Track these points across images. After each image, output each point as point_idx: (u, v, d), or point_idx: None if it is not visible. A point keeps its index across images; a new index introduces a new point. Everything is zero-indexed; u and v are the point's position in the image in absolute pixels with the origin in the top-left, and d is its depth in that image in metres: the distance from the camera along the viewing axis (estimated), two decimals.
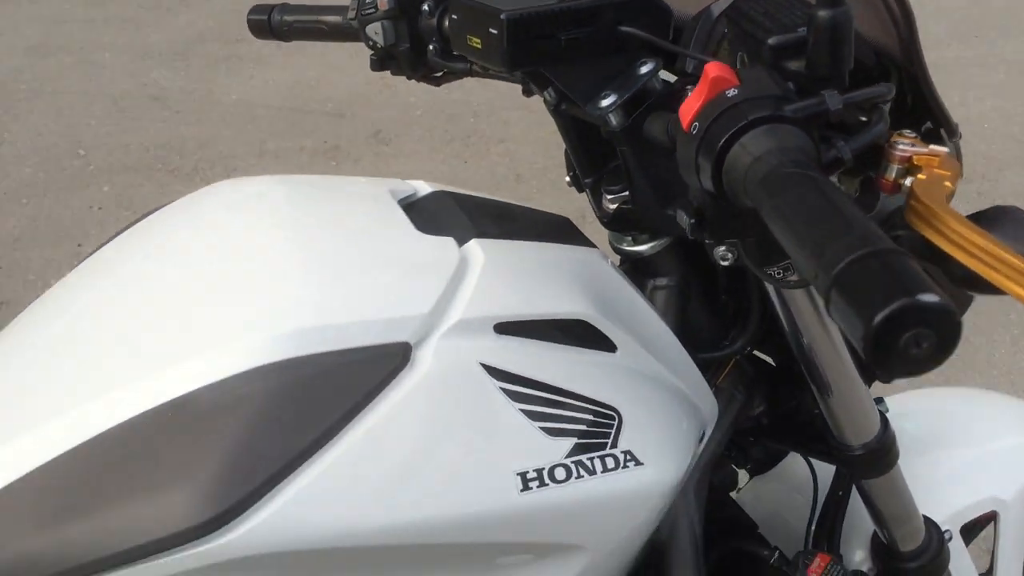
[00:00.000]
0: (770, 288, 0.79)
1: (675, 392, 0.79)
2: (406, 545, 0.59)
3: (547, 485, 0.63)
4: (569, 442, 0.64)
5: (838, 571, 0.89)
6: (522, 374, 0.64)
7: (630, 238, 0.81)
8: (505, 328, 0.65)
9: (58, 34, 3.34)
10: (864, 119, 0.60)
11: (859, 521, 1.00)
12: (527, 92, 0.79)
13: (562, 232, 0.79)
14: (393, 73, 0.88)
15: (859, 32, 0.67)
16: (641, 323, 0.78)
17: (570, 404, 0.66)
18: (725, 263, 0.72)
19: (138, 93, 3.00)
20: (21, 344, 0.66)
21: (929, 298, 0.38)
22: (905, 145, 0.57)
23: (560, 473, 0.63)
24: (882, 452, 0.91)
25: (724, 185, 0.51)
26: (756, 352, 0.95)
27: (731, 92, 0.51)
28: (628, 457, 0.68)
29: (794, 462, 1.08)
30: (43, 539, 0.55)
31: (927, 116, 0.69)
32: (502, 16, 0.62)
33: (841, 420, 0.89)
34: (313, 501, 0.55)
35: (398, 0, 0.81)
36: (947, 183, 0.53)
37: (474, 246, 0.68)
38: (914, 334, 0.38)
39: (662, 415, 0.75)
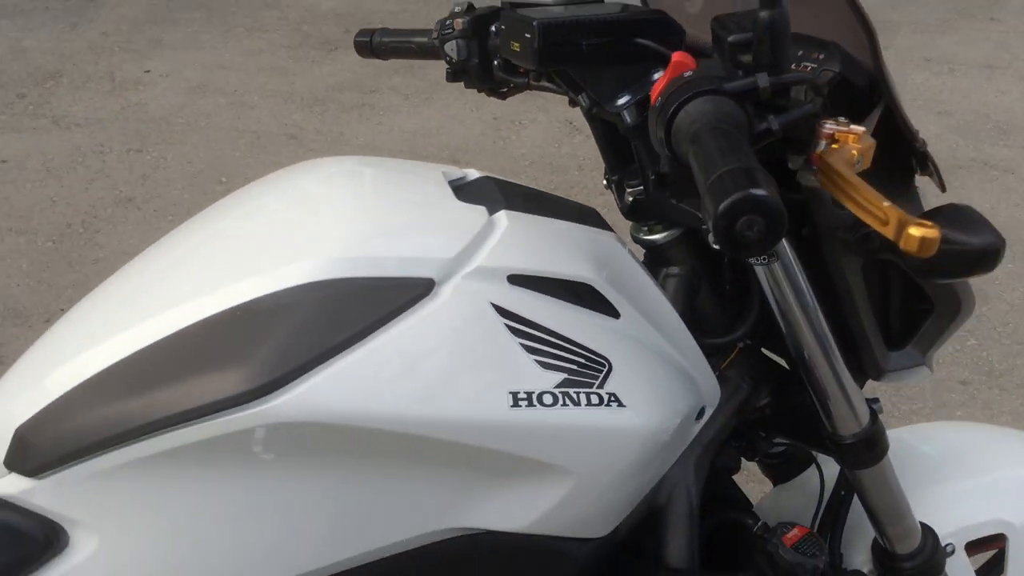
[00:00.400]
0: (760, 278, 0.89)
1: (673, 363, 0.90)
2: (412, 435, 0.72)
3: (534, 406, 0.75)
4: (559, 376, 0.77)
5: (814, 543, 0.96)
6: (525, 316, 0.77)
7: (646, 228, 0.93)
8: (517, 280, 0.79)
9: (217, 78, 3.73)
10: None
11: (862, 524, 1.06)
12: (572, 103, 0.94)
13: (586, 217, 0.93)
14: (466, 86, 1.04)
15: (852, 57, 0.79)
16: (647, 300, 0.90)
17: (565, 347, 0.79)
18: (717, 247, 0.83)
19: (278, 132, 3.32)
20: (145, 263, 0.85)
21: (759, 191, 0.50)
22: (831, 125, 0.69)
23: (547, 399, 0.76)
24: (871, 443, 0.97)
25: (673, 145, 0.64)
26: (768, 353, 1.04)
27: (687, 73, 0.65)
28: (612, 398, 0.79)
29: (813, 474, 1.15)
30: (135, 401, 0.72)
31: (898, 125, 0.80)
32: (534, 23, 0.78)
33: (831, 409, 0.96)
34: (339, 386, 0.70)
35: (471, 22, 0.98)
36: (854, 152, 0.64)
37: (502, 215, 0.83)
38: (747, 219, 0.51)
39: (653, 375, 0.86)
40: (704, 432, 0.95)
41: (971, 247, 0.77)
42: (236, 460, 0.71)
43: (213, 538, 0.75)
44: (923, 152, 0.84)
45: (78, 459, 0.72)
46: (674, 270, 0.94)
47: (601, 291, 0.84)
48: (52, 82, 3.59)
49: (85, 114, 3.37)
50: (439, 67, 1.01)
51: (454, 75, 1.03)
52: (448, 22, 1.01)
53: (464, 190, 0.88)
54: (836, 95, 0.79)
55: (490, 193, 0.88)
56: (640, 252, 0.97)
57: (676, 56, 0.66)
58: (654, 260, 0.95)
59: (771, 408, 1.02)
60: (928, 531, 1.07)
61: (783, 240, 0.86)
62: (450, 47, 1.00)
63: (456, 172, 0.92)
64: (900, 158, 0.86)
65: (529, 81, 0.97)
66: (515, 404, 0.75)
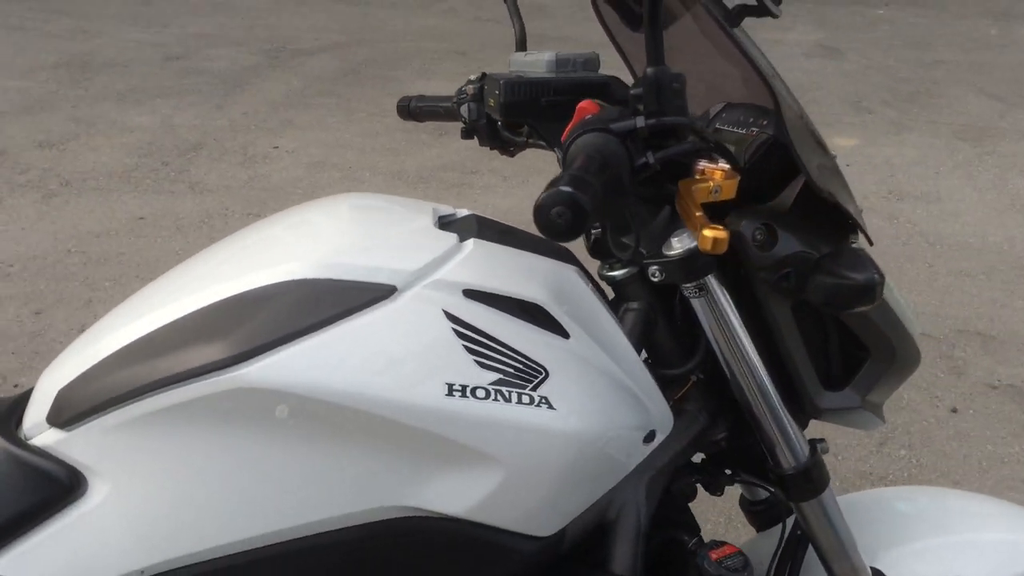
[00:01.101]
0: (697, 311, 1.00)
1: (619, 384, 0.99)
2: (359, 410, 0.86)
3: (467, 397, 0.88)
4: (494, 375, 0.89)
5: (739, 559, 1.02)
6: (472, 323, 0.90)
7: (607, 266, 1.06)
8: (472, 294, 0.92)
9: (336, 155, 4.08)
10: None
11: (819, 570, 1.12)
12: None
13: (555, 253, 1.05)
14: (480, 144, 1.21)
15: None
16: (600, 327, 1.01)
17: (504, 352, 0.91)
18: (655, 279, 0.96)
19: None
20: (177, 268, 1.04)
21: (567, 189, 0.64)
22: (704, 163, 0.82)
23: (480, 392, 0.88)
24: (808, 476, 1.04)
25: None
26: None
27: (588, 117, 0.80)
28: (543, 400, 0.91)
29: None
30: (142, 367, 0.89)
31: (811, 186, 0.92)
32: (501, 81, 0.95)
33: (768, 440, 1.04)
34: (299, 363, 0.85)
35: (480, 88, 1.16)
36: (711, 183, 0.78)
37: (470, 242, 0.98)
38: (558, 210, 0.65)
39: (593, 390, 0.96)
40: (657, 456, 1.03)
41: (855, 282, 0.88)
42: (215, 420, 0.87)
43: (197, 489, 0.90)
44: (844, 211, 0.96)
45: (96, 414, 0.89)
46: (632, 305, 1.03)
47: (552, 312, 0.96)
48: (193, 153, 4.02)
49: (217, 182, 3.76)
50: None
51: (467, 133, 1.20)
52: (463, 88, 1.19)
53: (448, 223, 1.04)
54: (777, 154, 0.93)
55: (469, 227, 1.03)
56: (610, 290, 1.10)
57: (581, 104, 0.81)
58: (617, 296, 1.05)
59: (727, 442, 1.09)
60: (877, 573, 1.12)
61: (710, 277, 0.98)
62: (464, 109, 1.18)
63: (448, 210, 1.08)
64: (833, 215, 0.97)
65: (527, 140, 1.14)
66: (449, 393, 0.87)
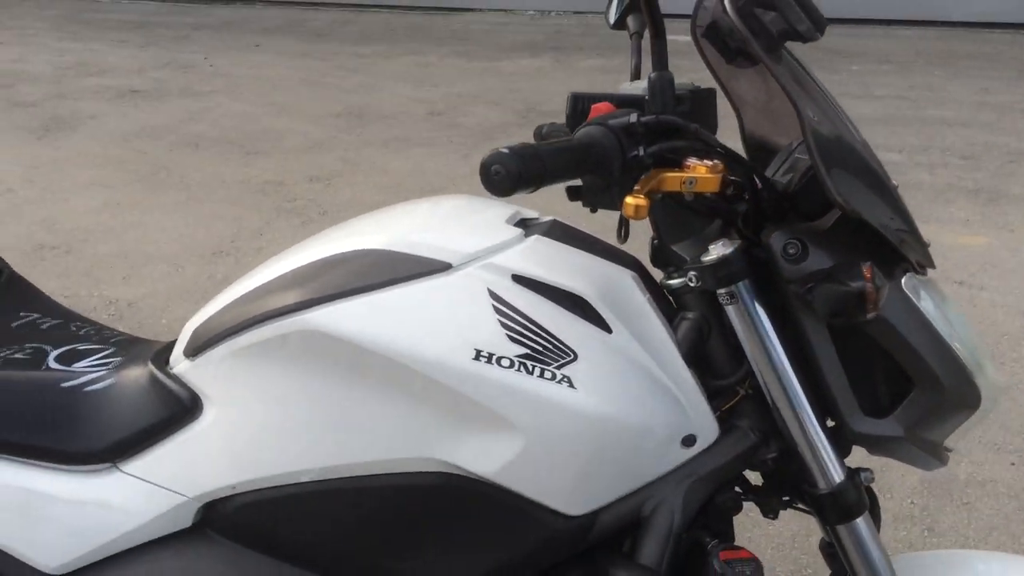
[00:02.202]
0: (732, 320, 1.06)
1: (658, 383, 1.05)
2: (399, 362, 1.02)
3: (491, 364, 1.01)
4: (522, 349, 1.02)
5: (749, 565, 1.05)
6: (512, 303, 1.04)
7: (667, 275, 1.14)
8: (520, 280, 1.06)
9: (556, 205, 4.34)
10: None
11: None
12: None
13: (618, 259, 1.13)
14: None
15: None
16: (648, 330, 1.07)
17: (537, 332, 1.04)
18: (691, 285, 1.05)
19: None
20: (312, 238, 1.26)
21: (505, 150, 0.78)
22: (692, 159, 0.92)
23: (505, 362, 1.02)
24: (841, 498, 1.05)
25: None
26: None
27: (599, 115, 0.93)
28: (565, 379, 1.02)
29: None
30: (246, 307, 1.11)
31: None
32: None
33: (801, 456, 1.06)
34: (354, 313, 1.04)
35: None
36: (686, 175, 0.89)
37: (533, 237, 1.11)
38: (495, 168, 0.79)
39: (624, 381, 1.04)
40: (699, 463, 1.08)
41: (848, 289, 0.93)
42: (288, 358, 1.07)
43: (274, 419, 1.09)
44: (882, 234, 1.00)
45: (210, 347, 1.13)
46: (687, 315, 1.09)
47: (595, 306, 1.05)
48: (435, 194, 4.45)
49: None
50: None
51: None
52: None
53: (527, 224, 1.17)
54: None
55: (543, 228, 1.16)
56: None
57: (597, 105, 0.95)
58: (676, 305, 1.11)
59: (775, 463, 1.11)
60: None
61: (741, 285, 1.04)
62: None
63: (532, 214, 1.22)
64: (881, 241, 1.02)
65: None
66: (476, 358, 1.01)
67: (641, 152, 0.93)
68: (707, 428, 1.08)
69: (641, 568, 1.07)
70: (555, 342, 1.04)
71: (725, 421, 1.10)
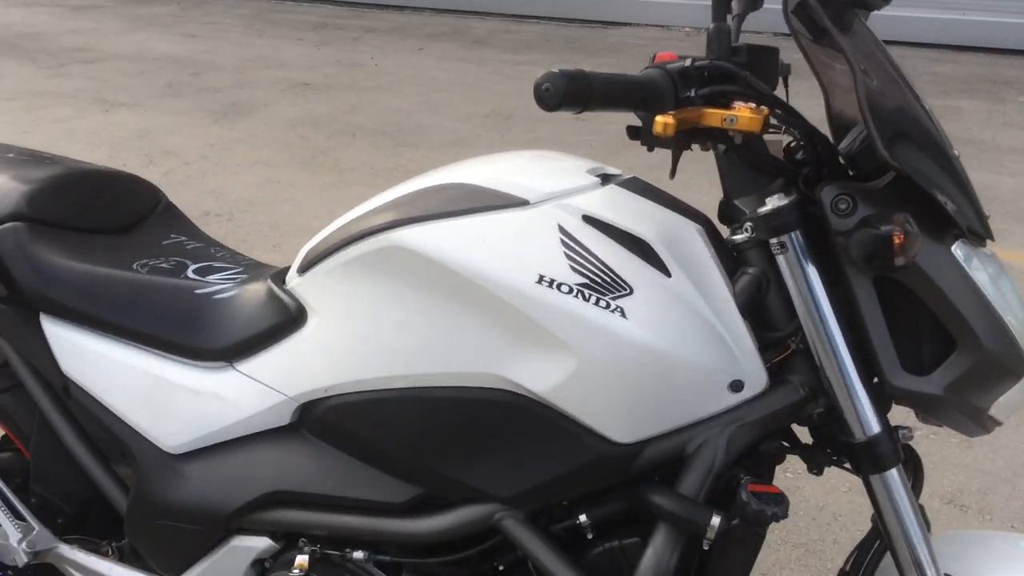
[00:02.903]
0: (784, 275, 1.12)
1: (710, 328, 1.11)
2: (470, 280, 1.14)
3: (551, 289, 1.13)
4: (581, 279, 1.13)
5: (774, 500, 1.10)
6: (579, 238, 1.15)
7: (732, 231, 1.20)
8: (590, 220, 1.16)
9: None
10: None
11: None
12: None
13: (688, 213, 1.22)
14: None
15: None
16: (707, 279, 1.13)
17: (598, 266, 1.14)
18: (745, 235, 1.12)
19: None
20: (407, 181, 1.41)
21: (555, 71, 0.89)
22: (739, 102, 1.02)
23: (564, 288, 1.13)
24: (876, 448, 1.08)
25: None
26: None
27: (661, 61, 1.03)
28: (617, 309, 1.12)
29: None
30: (348, 228, 1.26)
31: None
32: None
33: (837, 405, 1.09)
34: (436, 235, 1.17)
35: None
36: (728, 112, 1.01)
37: (610, 187, 1.21)
38: (545, 85, 0.90)
39: (674, 319, 1.12)
40: (746, 410, 1.13)
41: (875, 232, 0.99)
42: (377, 272, 1.21)
43: (363, 329, 1.23)
44: (933, 197, 1.04)
45: (316, 263, 1.30)
46: (748, 269, 1.14)
47: (657, 251, 1.14)
48: None
49: None
50: None
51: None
52: None
53: (607, 177, 1.25)
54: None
55: (620, 179, 1.24)
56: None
57: (660, 54, 1.04)
58: (738, 259, 1.17)
59: (821, 418, 1.14)
60: None
61: (792, 236, 1.10)
62: None
63: (615, 170, 1.30)
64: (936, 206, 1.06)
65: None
66: (539, 282, 1.13)
67: (692, 93, 1.02)
68: (756, 377, 1.14)
69: (679, 496, 1.14)
70: (613, 276, 1.13)
71: (777, 375, 1.15)
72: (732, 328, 1.14)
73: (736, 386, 1.14)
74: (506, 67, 6.99)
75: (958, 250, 1.07)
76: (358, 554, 1.31)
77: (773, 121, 1.08)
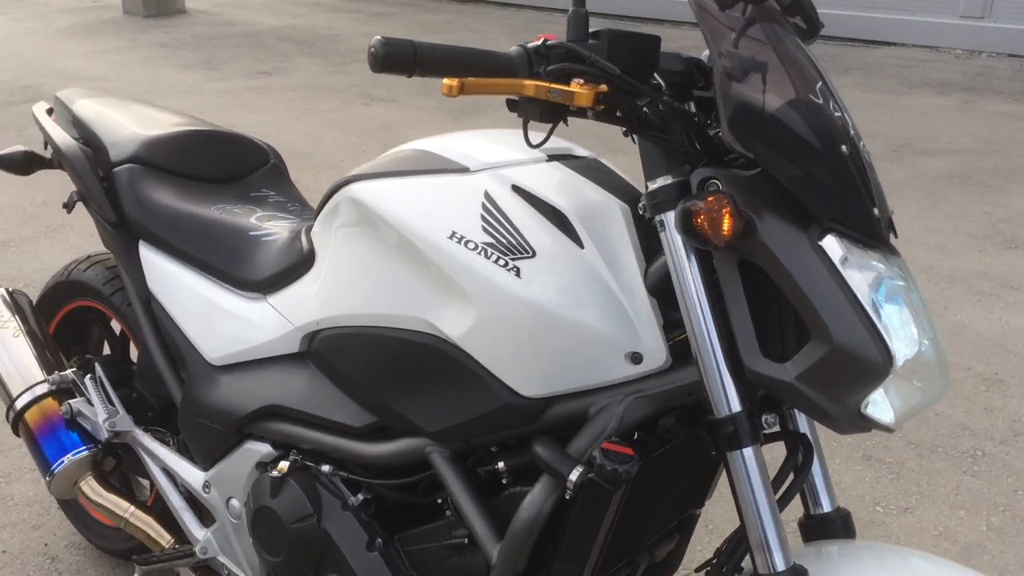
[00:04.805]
0: (668, 263, 1.15)
1: (612, 300, 1.19)
2: (402, 234, 1.32)
3: (460, 245, 1.28)
4: (488, 238, 1.27)
5: (623, 460, 1.13)
6: (500, 205, 1.29)
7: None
8: (518, 190, 1.30)
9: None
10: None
11: None
12: None
13: (624, 195, 1.27)
14: None
15: None
16: (619, 255, 1.21)
17: (508, 229, 1.27)
18: (641, 213, 1.20)
19: None
20: None
21: (380, 38, 1.02)
22: (577, 79, 1.08)
23: (471, 245, 1.28)
24: (737, 426, 1.11)
25: None
26: None
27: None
28: (514, 269, 1.25)
29: None
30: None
31: None
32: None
33: (707, 388, 1.12)
34: (379, 190, 1.37)
35: None
36: (553, 86, 1.08)
37: (551, 163, 1.35)
38: (372, 48, 1.03)
39: (574, 286, 1.19)
40: (646, 383, 1.20)
41: (683, 207, 1.04)
42: (345, 220, 1.43)
43: (336, 270, 1.45)
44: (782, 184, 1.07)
45: (319, 209, 1.53)
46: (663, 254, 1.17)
47: (572, 223, 1.23)
48: None
49: None
50: None
51: None
52: None
53: (562, 157, 1.39)
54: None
55: (569, 159, 1.37)
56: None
57: (542, 34, 1.13)
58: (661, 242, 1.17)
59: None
60: (802, 572, 1.11)
61: (669, 215, 1.12)
62: None
63: (584, 152, 1.41)
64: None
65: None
66: (451, 237, 1.29)
67: (542, 70, 1.11)
68: (656, 352, 1.21)
69: (554, 450, 1.23)
70: (520, 240, 1.26)
71: (682, 356, 1.21)
72: (636, 303, 1.21)
73: (635, 358, 1.21)
74: None
75: (830, 244, 1.06)
76: (326, 468, 1.52)
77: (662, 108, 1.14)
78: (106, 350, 2.25)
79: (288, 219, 1.81)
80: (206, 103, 6.38)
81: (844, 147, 1.10)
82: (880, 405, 1.09)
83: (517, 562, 1.27)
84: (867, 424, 1.10)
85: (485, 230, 1.28)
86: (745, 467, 1.12)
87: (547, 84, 1.09)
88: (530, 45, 1.12)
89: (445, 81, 1.07)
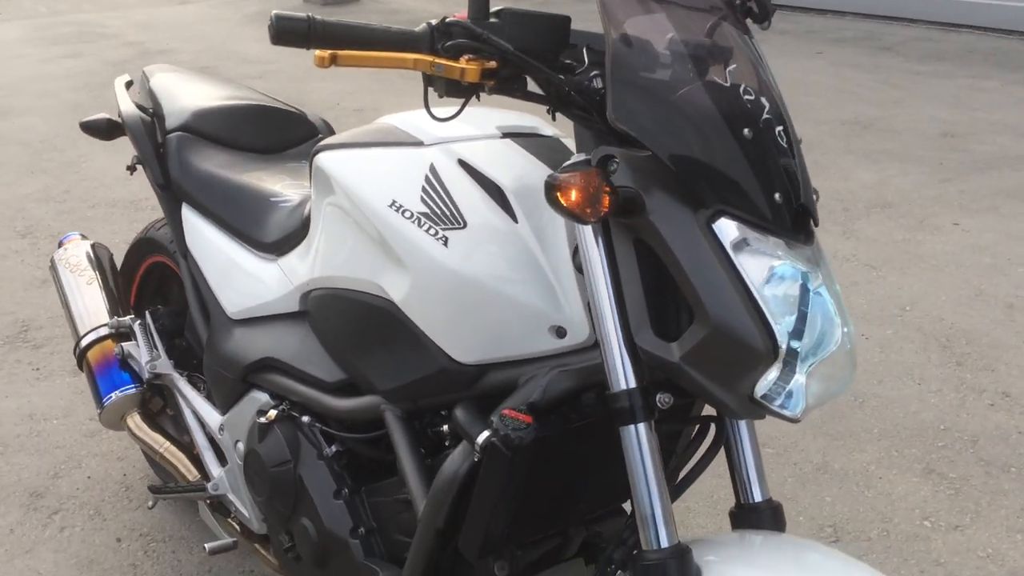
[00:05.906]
0: (577, 241, 1.16)
1: (540, 275, 1.23)
2: (352, 199, 1.41)
3: (397, 213, 1.35)
4: (424, 208, 1.34)
5: (524, 427, 1.15)
6: (442, 178, 1.35)
7: None
8: (463, 164, 1.35)
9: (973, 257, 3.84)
10: None
11: None
12: None
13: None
14: None
15: None
16: (553, 233, 1.25)
17: (444, 200, 1.33)
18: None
19: None
20: None
21: (280, 11, 1.10)
22: (468, 55, 1.12)
23: (407, 214, 1.34)
24: (629, 401, 1.10)
25: None
26: None
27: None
28: (443, 239, 1.31)
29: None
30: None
31: None
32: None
33: (604, 362, 1.11)
34: (339, 159, 1.48)
35: None
36: (439, 61, 1.13)
37: (504, 141, 1.34)
38: (271, 21, 1.11)
39: (501, 257, 1.23)
40: (570, 358, 1.24)
41: (550, 179, 1.06)
42: (319, 184, 1.53)
43: (319, 232, 1.56)
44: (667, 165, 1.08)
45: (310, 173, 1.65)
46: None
47: (508, 198, 1.27)
48: (878, 209, 4.28)
49: (875, 234, 4.00)
50: None
51: None
52: None
53: (521, 135, 1.43)
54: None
55: (525, 137, 1.41)
56: None
57: (455, 13, 1.18)
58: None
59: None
60: (685, 551, 1.11)
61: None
62: None
63: (548, 132, 1.43)
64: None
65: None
66: (390, 205, 1.36)
67: (440, 47, 1.16)
68: (580, 328, 1.24)
69: (475, 417, 1.27)
70: (454, 211, 1.32)
71: None
72: (563, 279, 1.25)
73: (560, 332, 1.25)
74: (899, 77, 6.52)
75: (723, 227, 1.05)
76: (306, 419, 1.64)
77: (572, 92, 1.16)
78: None
79: (308, 187, 1.94)
80: (357, 86, 6.70)
81: (747, 130, 1.08)
82: (777, 392, 1.07)
83: (436, 518, 1.32)
84: (759, 411, 1.09)
85: (423, 200, 1.35)
86: (638, 443, 1.11)
87: (430, 58, 1.14)
88: (434, 21, 1.17)
89: (316, 52, 1.14)
